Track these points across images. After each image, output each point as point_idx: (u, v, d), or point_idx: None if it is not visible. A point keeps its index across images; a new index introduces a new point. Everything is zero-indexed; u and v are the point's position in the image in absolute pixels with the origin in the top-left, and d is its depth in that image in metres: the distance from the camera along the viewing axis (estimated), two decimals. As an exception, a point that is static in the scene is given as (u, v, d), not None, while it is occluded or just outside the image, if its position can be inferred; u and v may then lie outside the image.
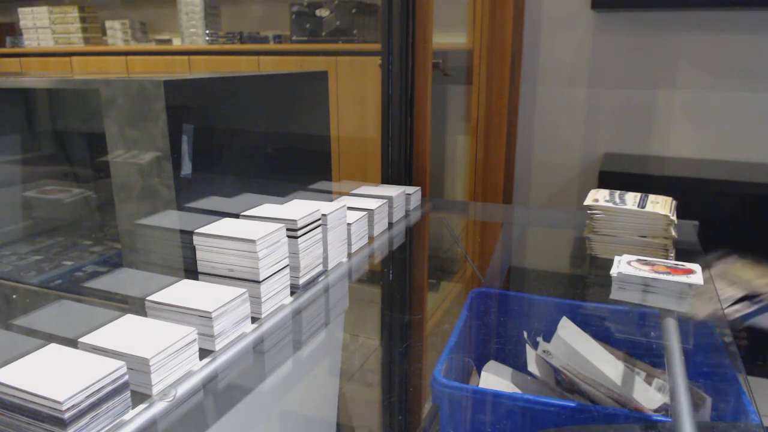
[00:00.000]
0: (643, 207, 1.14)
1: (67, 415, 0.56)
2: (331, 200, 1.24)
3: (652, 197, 1.20)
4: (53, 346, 0.65)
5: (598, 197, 1.20)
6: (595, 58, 2.29)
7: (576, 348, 0.82)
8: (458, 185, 2.67)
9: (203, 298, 0.78)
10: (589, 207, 1.17)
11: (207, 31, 3.00)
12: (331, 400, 0.81)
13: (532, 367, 0.88)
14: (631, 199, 1.19)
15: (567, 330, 0.88)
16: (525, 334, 0.91)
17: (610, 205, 1.15)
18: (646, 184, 1.96)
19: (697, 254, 1.17)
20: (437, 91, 2.56)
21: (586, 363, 0.81)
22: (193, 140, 0.86)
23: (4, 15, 3.90)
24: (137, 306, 0.82)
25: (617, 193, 1.23)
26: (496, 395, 0.75)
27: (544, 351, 0.90)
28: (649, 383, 0.73)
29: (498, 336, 1.00)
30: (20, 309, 0.95)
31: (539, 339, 0.93)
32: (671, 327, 0.66)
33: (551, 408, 0.70)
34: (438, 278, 1.28)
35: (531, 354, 0.89)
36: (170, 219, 0.86)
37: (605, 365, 0.81)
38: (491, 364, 0.94)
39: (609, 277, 0.98)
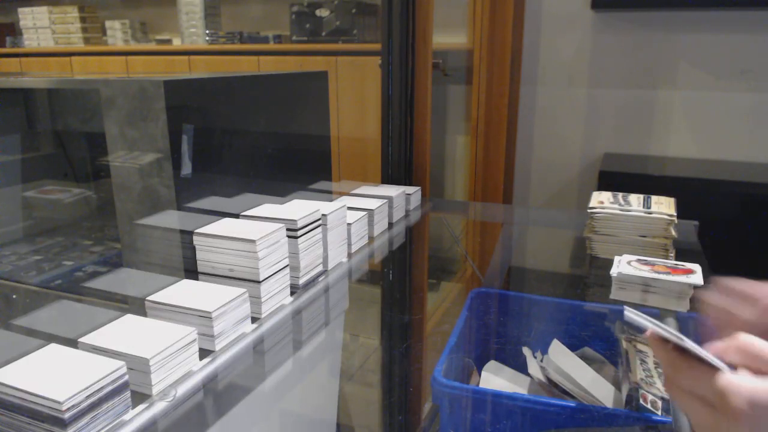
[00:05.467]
0: (648, 208, 1.14)
1: (67, 415, 0.56)
2: (331, 200, 1.24)
3: (655, 198, 1.21)
4: (53, 346, 0.65)
5: (603, 200, 1.20)
6: (595, 58, 2.29)
7: (567, 371, 0.83)
8: (458, 185, 2.67)
9: (203, 298, 0.78)
10: (593, 210, 1.17)
11: (207, 31, 3.00)
12: (331, 400, 0.81)
13: (532, 370, 0.88)
14: (636, 201, 1.19)
15: (557, 354, 0.88)
16: (524, 349, 0.91)
17: (617, 207, 1.15)
18: (646, 184, 1.96)
19: (697, 254, 1.17)
20: (437, 91, 2.56)
21: (577, 386, 0.82)
22: (193, 140, 0.86)
23: (4, 15, 3.90)
24: (137, 306, 0.82)
25: (620, 195, 1.23)
26: (496, 395, 0.75)
27: (540, 362, 0.90)
28: (645, 400, 0.74)
29: (498, 336, 1.00)
30: (20, 309, 0.95)
31: (537, 355, 0.93)
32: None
33: (551, 408, 0.70)
34: (438, 278, 1.28)
35: (531, 361, 0.89)
36: (170, 219, 0.86)
37: (596, 389, 0.81)
38: (491, 364, 0.94)
39: (609, 277, 0.98)
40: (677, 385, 0.44)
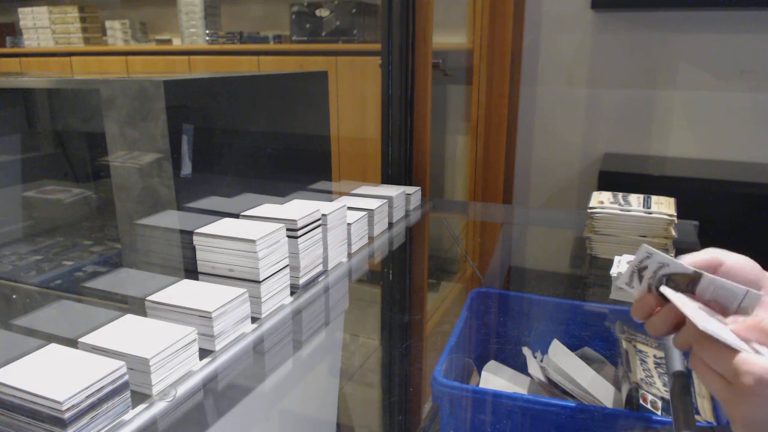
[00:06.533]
0: (648, 208, 1.14)
1: (67, 415, 0.56)
2: (331, 200, 1.24)
3: (655, 198, 1.21)
4: (53, 346, 0.65)
5: (603, 199, 1.20)
6: (595, 58, 2.29)
7: (567, 371, 0.83)
8: (458, 185, 2.67)
9: (203, 298, 0.78)
10: (593, 210, 1.17)
11: (207, 31, 3.00)
12: (331, 400, 0.81)
13: (532, 370, 0.88)
14: (636, 201, 1.19)
15: (557, 354, 0.88)
16: (524, 349, 0.91)
17: (617, 207, 1.15)
18: (646, 184, 1.96)
19: (697, 254, 1.17)
20: (437, 91, 2.56)
21: (577, 386, 0.82)
22: (193, 140, 0.86)
23: (4, 15, 3.90)
24: (137, 306, 0.82)
25: (620, 195, 1.23)
26: (496, 395, 0.75)
27: (540, 362, 0.90)
28: (645, 400, 0.74)
29: (498, 336, 1.00)
30: (20, 309, 0.95)
31: (537, 355, 0.93)
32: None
33: (551, 408, 0.70)
34: (438, 278, 1.28)
35: (531, 361, 0.89)
36: (170, 219, 0.86)
37: (596, 389, 0.81)
38: (491, 364, 0.94)
39: (609, 277, 0.98)
40: (700, 360, 0.48)
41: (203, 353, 0.75)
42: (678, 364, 0.59)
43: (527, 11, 2.33)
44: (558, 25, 2.31)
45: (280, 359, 0.83)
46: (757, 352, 0.45)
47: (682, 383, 0.57)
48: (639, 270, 0.54)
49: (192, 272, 0.89)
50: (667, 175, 2.03)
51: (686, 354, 0.63)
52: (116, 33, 3.34)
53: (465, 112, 2.55)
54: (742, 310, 0.50)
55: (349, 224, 1.12)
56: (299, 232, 0.93)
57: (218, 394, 0.72)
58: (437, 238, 1.49)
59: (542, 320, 0.97)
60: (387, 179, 1.60)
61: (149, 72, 2.63)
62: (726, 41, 2.10)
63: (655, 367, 0.81)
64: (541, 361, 0.92)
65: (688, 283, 0.52)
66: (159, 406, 0.66)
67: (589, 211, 1.17)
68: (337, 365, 0.88)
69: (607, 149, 2.35)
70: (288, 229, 0.92)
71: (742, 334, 0.46)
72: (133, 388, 0.66)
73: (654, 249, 0.53)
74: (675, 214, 1.12)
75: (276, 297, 0.90)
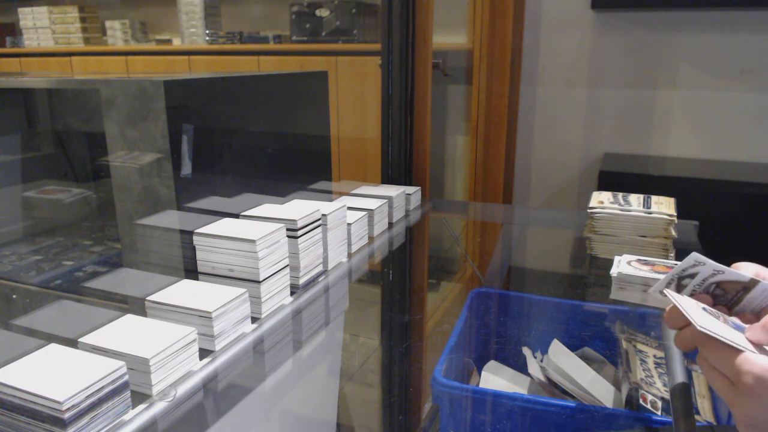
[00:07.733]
0: (648, 208, 1.14)
1: (67, 415, 0.56)
2: (331, 200, 1.24)
3: (655, 198, 1.21)
4: (53, 346, 0.65)
5: (603, 199, 1.20)
6: (595, 58, 2.29)
7: (567, 371, 0.83)
8: (458, 185, 2.67)
9: (203, 298, 0.78)
10: (593, 210, 1.17)
11: (207, 31, 3.00)
12: (331, 400, 0.81)
13: (532, 370, 0.88)
14: (635, 201, 1.19)
15: (557, 354, 0.88)
16: (524, 349, 0.91)
17: (617, 207, 1.15)
18: (646, 184, 1.96)
19: (697, 254, 1.16)
20: (437, 91, 2.56)
21: (577, 386, 0.82)
22: (193, 140, 0.86)
23: (4, 15, 3.89)
24: (137, 306, 0.82)
25: (620, 195, 1.23)
26: (496, 395, 0.75)
27: (540, 362, 0.90)
28: (644, 400, 0.74)
29: (498, 336, 1.00)
30: (20, 309, 0.95)
31: (537, 355, 0.93)
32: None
33: (551, 408, 0.70)
34: (438, 278, 1.28)
35: (531, 361, 0.89)
36: (170, 219, 0.86)
37: (596, 389, 0.81)
38: (492, 364, 0.94)
39: (609, 277, 0.98)
40: (705, 360, 0.49)
41: (203, 353, 0.75)
42: (678, 365, 0.59)
43: (527, 11, 2.33)
44: (558, 25, 2.31)
45: (280, 359, 0.83)
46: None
47: (682, 383, 0.57)
48: (680, 278, 0.53)
49: (192, 272, 0.89)
50: (667, 175, 2.03)
51: (686, 354, 0.63)
52: (116, 33, 3.34)
53: (465, 112, 2.55)
54: None
55: (349, 224, 1.12)
56: (299, 232, 0.93)
57: (218, 394, 0.72)
58: (437, 238, 1.49)
59: (542, 320, 0.97)
60: (387, 179, 1.60)
61: (149, 72, 2.63)
62: (726, 41, 2.10)
63: (655, 367, 0.81)
64: (541, 361, 0.92)
65: (738, 291, 0.51)
66: (159, 406, 0.66)
67: (589, 211, 1.17)
68: (337, 365, 0.88)
69: (607, 149, 2.35)
70: (288, 229, 0.92)
71: (755, 337, 0.47)
72: (133, 388, 0.66)
73: (704, 257, 0.51)
74: (675, 214, 1.12)
75: (276, 297, 0.90)
